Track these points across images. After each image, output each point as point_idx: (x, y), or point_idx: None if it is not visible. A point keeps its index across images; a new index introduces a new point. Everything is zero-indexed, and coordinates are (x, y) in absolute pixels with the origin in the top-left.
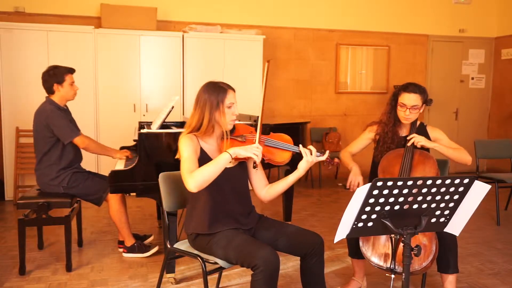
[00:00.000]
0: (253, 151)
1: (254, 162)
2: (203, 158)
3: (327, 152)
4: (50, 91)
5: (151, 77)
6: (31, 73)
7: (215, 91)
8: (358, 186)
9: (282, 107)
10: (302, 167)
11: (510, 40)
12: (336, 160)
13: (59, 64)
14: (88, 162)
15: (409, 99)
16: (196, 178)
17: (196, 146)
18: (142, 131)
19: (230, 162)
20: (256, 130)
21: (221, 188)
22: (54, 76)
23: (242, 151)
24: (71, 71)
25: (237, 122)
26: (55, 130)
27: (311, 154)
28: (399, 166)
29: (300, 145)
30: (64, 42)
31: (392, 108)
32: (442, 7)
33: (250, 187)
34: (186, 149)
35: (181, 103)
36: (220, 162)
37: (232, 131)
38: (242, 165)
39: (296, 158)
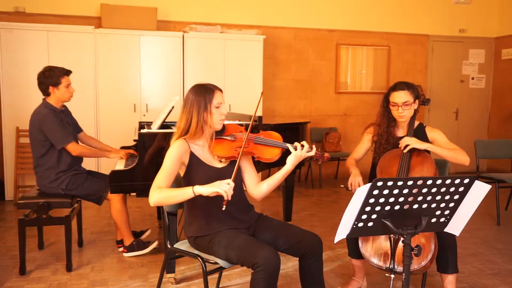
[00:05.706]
0: (221, 187)
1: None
2: (195, 163)
3: (314, 147)
4: (45, 93)
5: (151, 77)
6: (31, 73)
7: (202, 93)
8: (358, 186)
9: (282, 107)
10: (290, 161)
11: (510, 40)
12: (326, 154)
13: (56, 65)
14: (89, 162)
15: (399, 96)
16: (157, 197)
17: (183, 154)
18: (142, 131)
19: (222, 161)
20: (246, 129)
21: None
22: (50, 78)
23: (206, 189)
24: (67, 73)
25: (226, 122)
26: (48, 135)
27: (302, 149)
28: (397, 167)
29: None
30: (64, 42)
31: (385, 109)
32: (442, 7)
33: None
34: (168, 159)
35: (181, 103)
36: (182, 196)
37: (222, 131)
38: (233, 164)
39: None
